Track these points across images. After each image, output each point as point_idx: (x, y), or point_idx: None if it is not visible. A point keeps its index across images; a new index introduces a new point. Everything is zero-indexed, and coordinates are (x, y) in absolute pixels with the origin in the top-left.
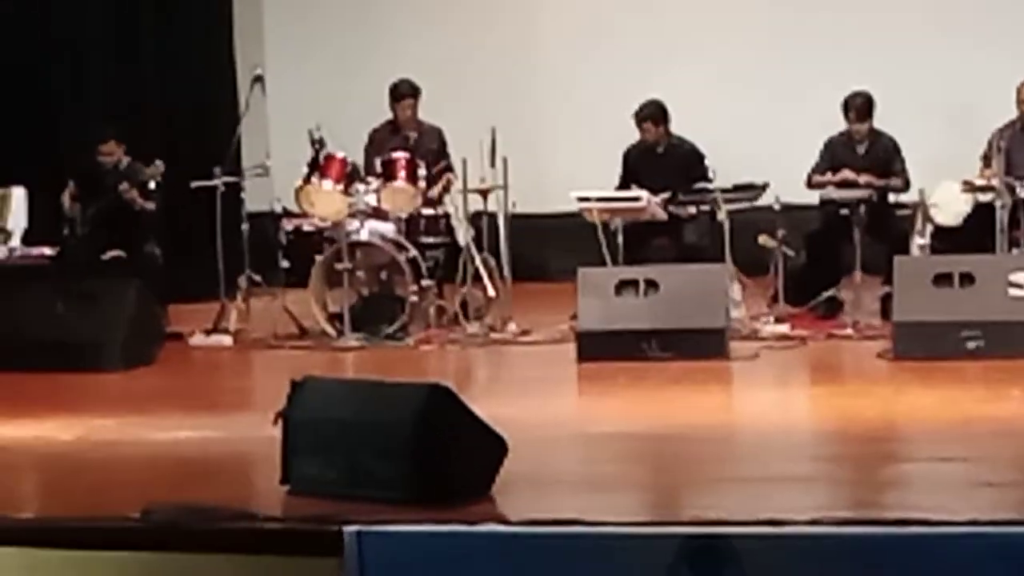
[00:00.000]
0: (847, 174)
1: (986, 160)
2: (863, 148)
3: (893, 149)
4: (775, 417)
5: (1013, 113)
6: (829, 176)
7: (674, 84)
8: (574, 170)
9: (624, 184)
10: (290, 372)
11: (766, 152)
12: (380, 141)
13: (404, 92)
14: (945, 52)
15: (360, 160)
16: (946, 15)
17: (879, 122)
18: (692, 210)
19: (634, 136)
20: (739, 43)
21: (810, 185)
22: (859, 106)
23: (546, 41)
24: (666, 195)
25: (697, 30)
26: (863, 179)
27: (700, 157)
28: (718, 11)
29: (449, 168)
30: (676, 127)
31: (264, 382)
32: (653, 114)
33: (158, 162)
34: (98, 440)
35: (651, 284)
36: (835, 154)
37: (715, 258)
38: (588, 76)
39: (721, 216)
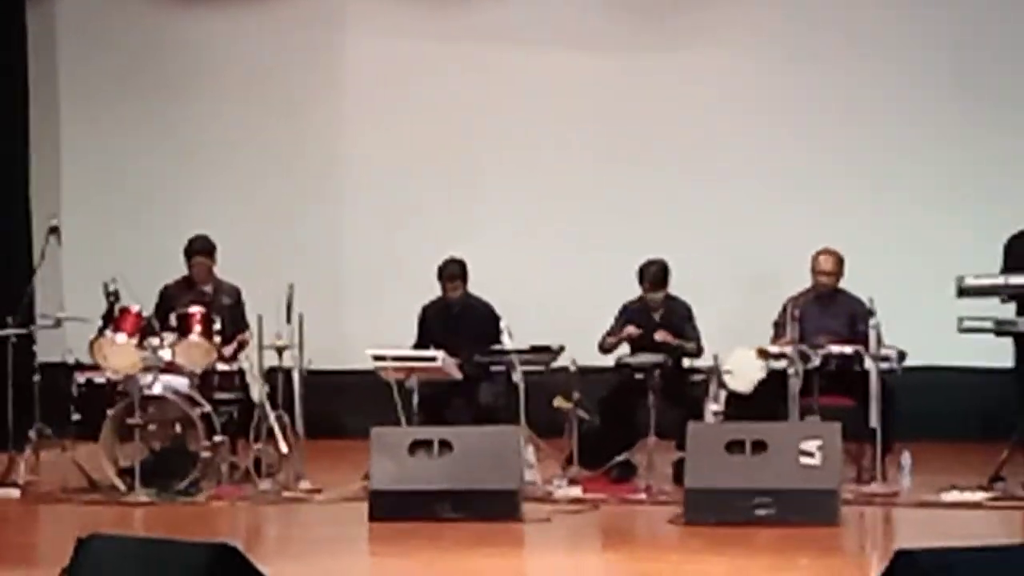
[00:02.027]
0: (631, 330)
1: (777, 327)
2: (658, 315)
3: (687, 315)
4: None
5: (808, 282)
6: (621, 334)
7: (473, 245)
8: (371, 328)
9: (420, 343)
10: (78, 527)
11: (563, 315)
12: (174, 296)
13: (198, 248)
14: (742, 220)
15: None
16: (743, 184)
17: (676, 287)
18: (488, 371)
19: (433, 293)
20: (539, 207)
21: (602, 349)
22: (653, 275)
23: (347, 199)
24: (457, 359)
25: (499, 193)
26: (658, 335)
27: (495, 317)
28: (521, 176)
29: (245, 326)
30: (475, 288)
31: (51, 537)
32: (455, 272)
33: None
34: None
35: (445, 444)
36: (630, 319)
37: (510, 419)
38: (387, 234)
39: (517, 377)
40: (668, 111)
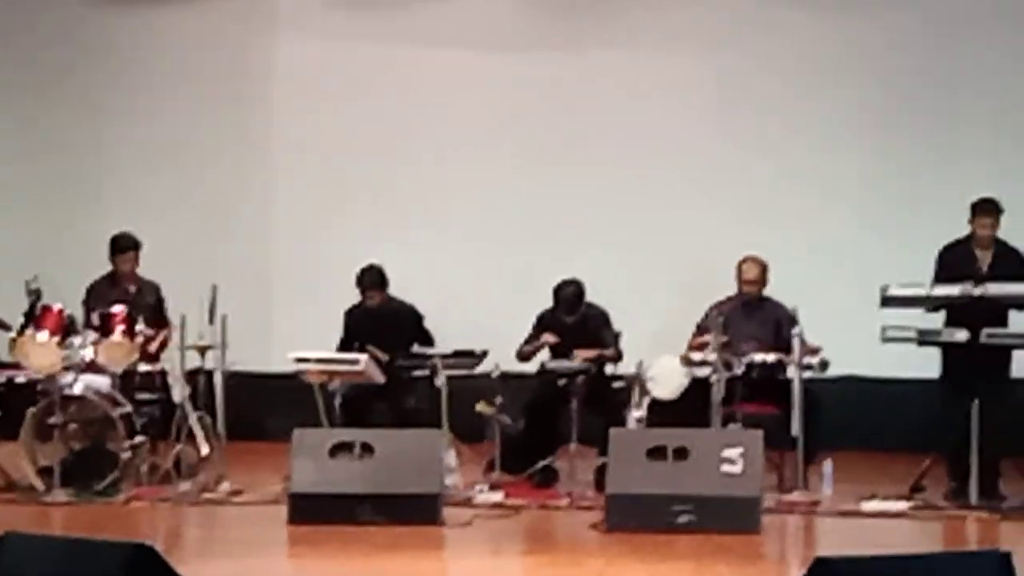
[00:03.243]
0: (548, 337)
1: (699, 329)
2: (573, 320)
3: (604, 321)
4: None
5: (733, 289)
6: (538, 342)
7: (399, 248)
8: (297, 330)
9: (344, 346)
10: None
11: (487, 319)
12: (99, 294)
13: (125, 245)
14: (669, 226)
15: (79, 313)
16: (670, 191)
17: (601, 293)
18: (411, 374)
19: (356, 297)
20: (467, 211)
21: (520, 357)
22: (568, 299)
23: (275, 200)
24: (384, 357)
25: (427, 196)
26: (576, 354)
27: (418, 318)
28: (449, 179)
29: (166, 324)
30: (400, 291)
31: None
32: (374, 280)
33: None
34: None
35: (366, 448)
36: (547, 327)
37: (433, 423)
38: (315, 236)
39: (440, 382)
40: (596, 115)
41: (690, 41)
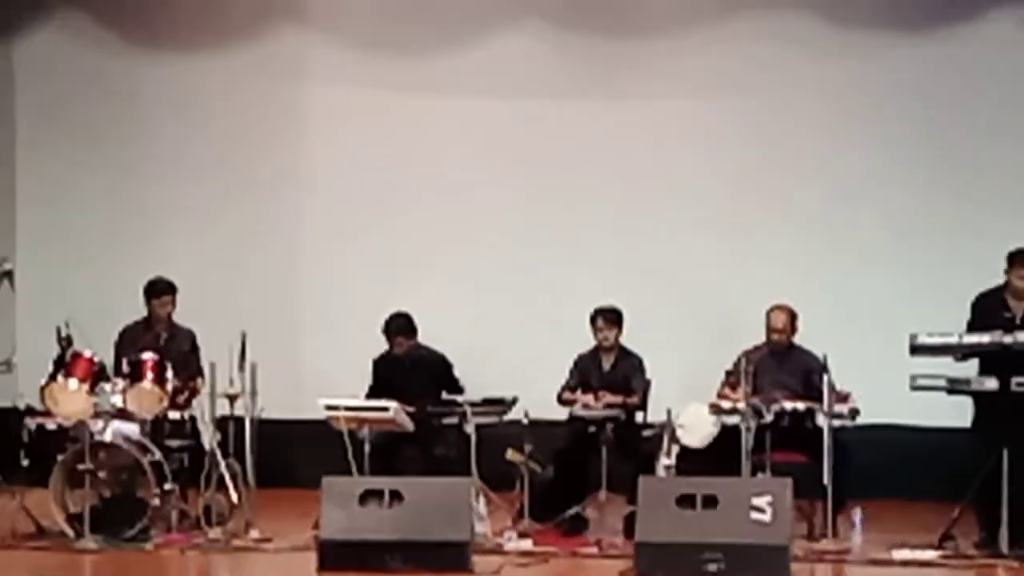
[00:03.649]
0: (584, 398)
1: (728, 375)
2: (609, 362)
3: (637, 366)
4: None
5: (762, 337)
6: (578, 394)
7: (427, 297)
8: (326, 377)
9: (374, 393)
10: (27, 573)
11: (516, 367)
12: (131, 339)
13: (162, 289)
14: (699, 272)
15: (110, 358)
16: (701, 238)
17: (631, 340)
18: (441, 422)
19: (384, 344)
20: (492, 258)
21: (560, 401)
22: (606, 315)
23: (304, 247)
24: (411, 408)
25: (456, 243)
26: (600, 395)
27: (448, 366)
28: (477, 225)
29: (199, 371)
30: (429, 339)
31: None
32: (402, 327)
33: None
34: None
35: (396, 495)
36: (583, 370)
37: (463, 471)
38: (342, 286)
39: (469, 429)
40: (626, 162)
41: (718, 91)
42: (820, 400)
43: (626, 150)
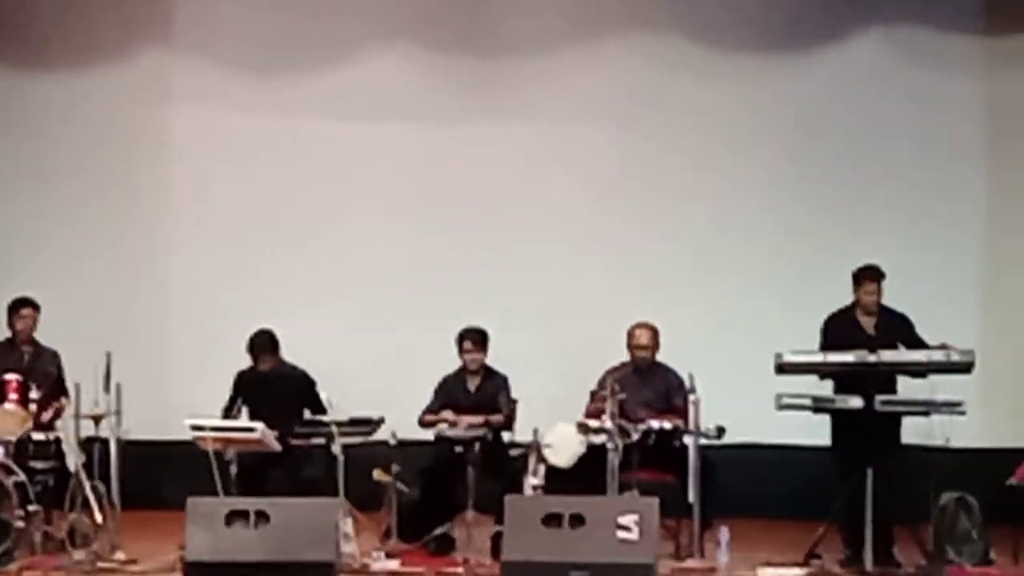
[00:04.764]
0: (449, 415)
1: (593, 395)
2: (475, 384)
3: (503, 385)
4: None
5: (626, 355)
6: (444, 413)
7: (296, 315)
8: (191, 398)
9: (231, 406)
10: None
11: (382, 387)
12: None
13: (22, 305)
14: (564, 291)
15: None
16: (564, 257)
17: (497, 360)
18: (308, 442)
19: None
20: (363, 279)
21: (421, 424)
22: (473, 336)
23: (172, 268)
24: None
25: (322, 264)
26: (464, 421)
27: (311, 383)
28: (343, 249)
29: (64, 392)
30: (294, 359)
31: None
32: (264, 344)
33: None
34: None
35: (262, 516)
36: (448, 391)
37: (330, 491)
38: (208, 306)
39: (336, 449)
40: (491, 183)
41: (590, 113)
42: (682, 417)
43: (495, 172)
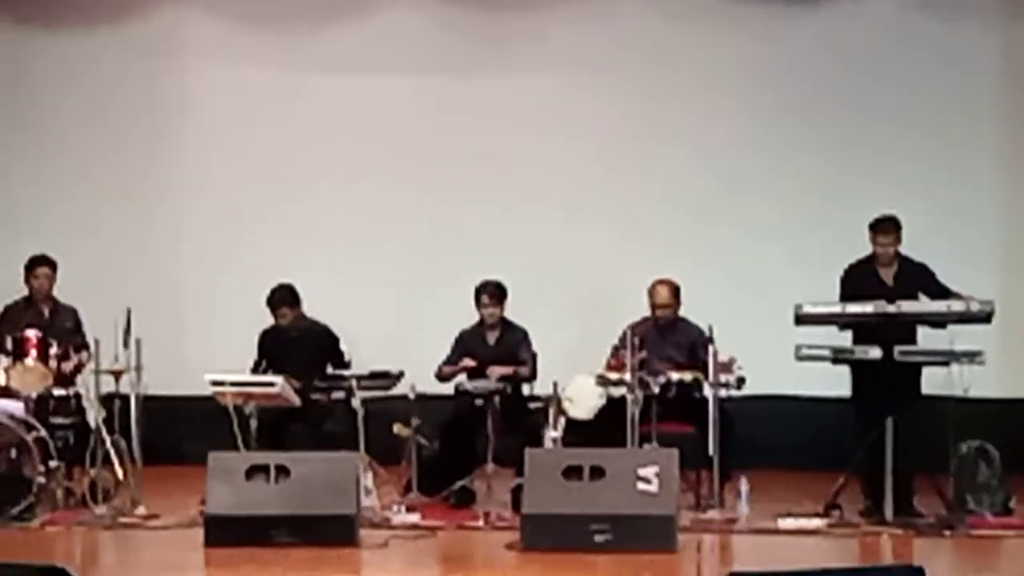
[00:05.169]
0: (468, 362)
1: (616, 350)
2: (494, 337)
3: (522, 338)
4: None
5: (647, 308)
6: (464, 361)
7: (312, 271)
8: (211, 353)
9: (259, 367)
10: None
11: (402, 341)
12: (13, 317)
13: (39, 263)
14: (580, 248)
15: None
16: (582, 211)
17: (514, 314)
18: (328, 397)
19: (270, 319)
20: (377, 233)
21: (439, 377)
22: (491, 290)
23: (187, 224)
24: (297, 382)
25: (339, 219)
26: (491, 372)
27: (334, 339)
28: (361, 202)
29: (84, 348)
30: (314, 314)
31: None
32: (285, 298)
33: None
34: None
35: (282, 470)
36: (467, 345)
37: (350, 445)
38: (227, 259)
39: (356, 403)
40: (505, 139)
41: (601, 69)
42: (705, 371)
43: (510, 125)
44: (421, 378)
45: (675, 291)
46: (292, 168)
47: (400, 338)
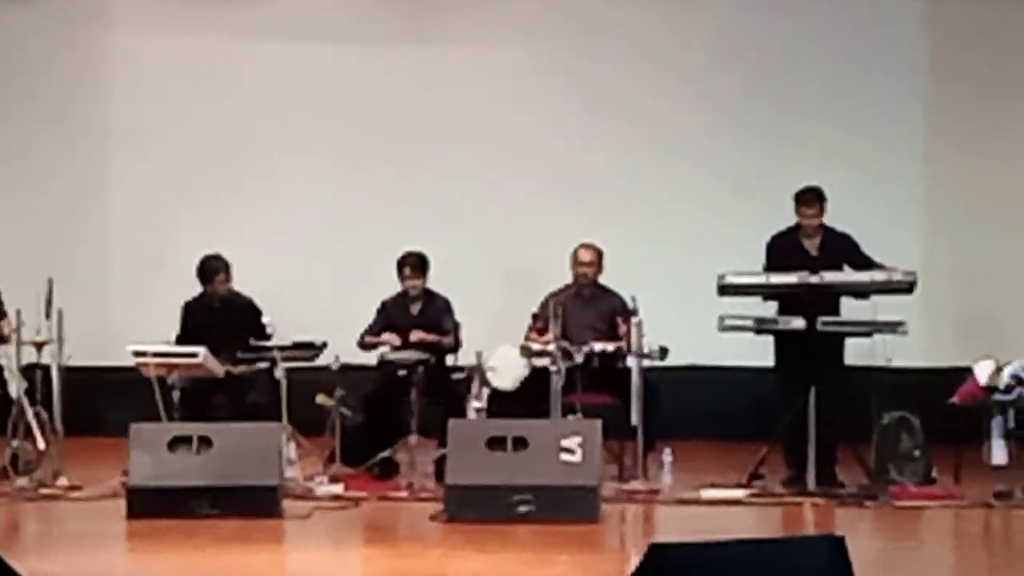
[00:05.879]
0: (391, 337)
1: (535, 319)
2: (417, 308)
3: (445, 307)
4: None
5: (569, 279)
6: (385, 336)
7: (237, 241)
8: (136, 324)
9: (183, 339)
10: None
11: (325, 311)
12: None
13: None
14: (503, 216)
15: None
16: (504, 180)
17: (438, 284)
18: (251, 367)
19: (196, 290)
20: (300, 203)
21: (362, 346)
22: (413, 262)
23: (113, 194)
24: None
25: (262, 189)
26: (413, 336)
27: (257, 312)
28: (284, 172)
29: (2, 316)
30: (238, 284)
31: None
32: (220, 267)
33: None
34: None
35: (205, 441)
36: (389, 315)
37: (273, 416)
38: (153, 230)
39: (279, 374)
40: (431, 106)
41: (530, 36)
42: (628, 342)
43: (434, 95)
44: (344, 348)
45: (598, 254)
46: (219, 138)
47: (325, 308)
